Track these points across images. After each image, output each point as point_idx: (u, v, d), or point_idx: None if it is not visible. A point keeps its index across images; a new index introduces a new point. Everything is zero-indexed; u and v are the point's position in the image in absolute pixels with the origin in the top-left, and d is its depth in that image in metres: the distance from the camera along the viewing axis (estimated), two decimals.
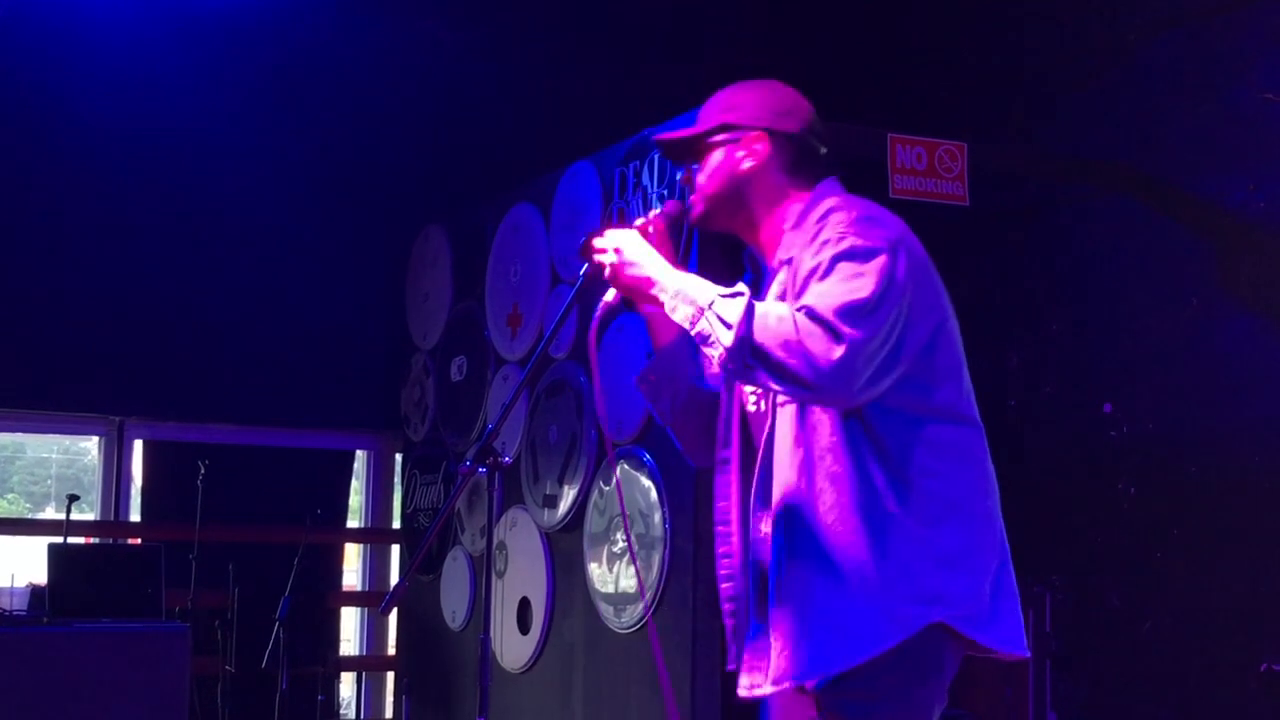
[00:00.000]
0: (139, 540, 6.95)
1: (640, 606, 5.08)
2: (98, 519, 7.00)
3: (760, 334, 2.56)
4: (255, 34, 6.89)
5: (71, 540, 6.11)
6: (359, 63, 7.09)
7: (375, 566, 7.71)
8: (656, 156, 5.20)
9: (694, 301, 2.67)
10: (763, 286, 2.90)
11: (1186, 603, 5.36)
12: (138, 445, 7.10)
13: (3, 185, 6.62)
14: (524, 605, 5.88)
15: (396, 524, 7.57)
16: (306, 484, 7.30)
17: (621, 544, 5.24)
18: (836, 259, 2.64)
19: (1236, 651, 5.14)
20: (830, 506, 2.70)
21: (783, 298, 2.75)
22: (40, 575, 5.94)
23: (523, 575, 5.90)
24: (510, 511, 6.02)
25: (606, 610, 5.30)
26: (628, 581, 5.19)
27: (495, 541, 6.02)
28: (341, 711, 7.22)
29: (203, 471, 6.27)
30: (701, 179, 2.91)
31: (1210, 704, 5.25)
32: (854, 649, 2.65)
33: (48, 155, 6.72)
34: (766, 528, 2.81)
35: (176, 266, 6.95)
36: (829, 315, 2.55)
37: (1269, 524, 5.09)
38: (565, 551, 5.66)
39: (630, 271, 2.81)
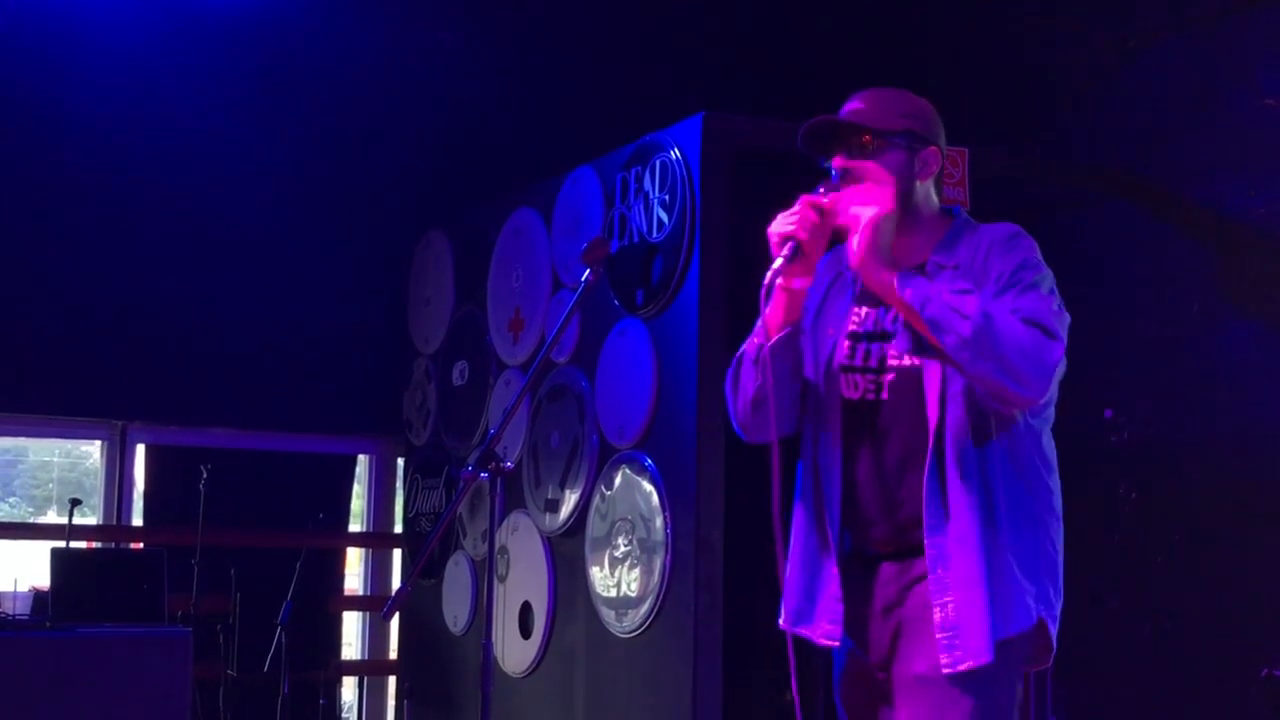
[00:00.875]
0: (141, 545, 6.96)
1: (643, 610, 5.09)
2: (100, 523, 7.00)
3: (997, 328, 2.78)
4: (257, 39, 6.90)
5: (74, 544, 6.11)
6: (361, 68, 7.10)
7: (377, 571, 7.71)
8: (658, 162, 5.20)
9: (929, 287, 2.84)
10: (850, 287, 3.08)
11: (1187, 607, 5.37)
12: (140, 449, 7.11)
13: (4, 190, 6.63)
14: (525, 610, 5.89)
15: (398, 528, 7.58)
16: (308, 488, 7.30)
17: (624, 548, 5.25)
18: (1038, 279, 2.92)
19: (1237, 656, 5.14)
20: (1006, 501, 2.93)
21: None
22: (43, 579, 5.94)
23: (524, 580, 5.91)
24: (512, 516, 6.03)
25: (608, 615, 5.30)
26: (630, 586, 5.19)
27: (497, 546, 6.02)
28: (343, 716, 7.23)
29: (205, 476, 6.27)
30: (873, 175, 3.00)
31: (1210, 709, 5.25)
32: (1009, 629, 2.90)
33: (50, 161, 6.73)
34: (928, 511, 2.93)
35: (179, 271, 6.96)
36: (1047, 321, 2.84)
37: (1270, 529, 5.09)
38: (567, 556, 5.67)
39: (880, 237, 2.93)
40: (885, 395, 2.99)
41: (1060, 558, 3.05)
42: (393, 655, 7.47)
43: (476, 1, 7.19)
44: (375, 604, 7.53)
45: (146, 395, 6.97)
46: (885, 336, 3.01)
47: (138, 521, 7.14)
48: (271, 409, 7.21)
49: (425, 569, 6.62)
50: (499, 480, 3.40)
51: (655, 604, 5.02)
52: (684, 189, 5.04)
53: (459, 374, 6.66)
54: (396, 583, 7.51)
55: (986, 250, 2.96)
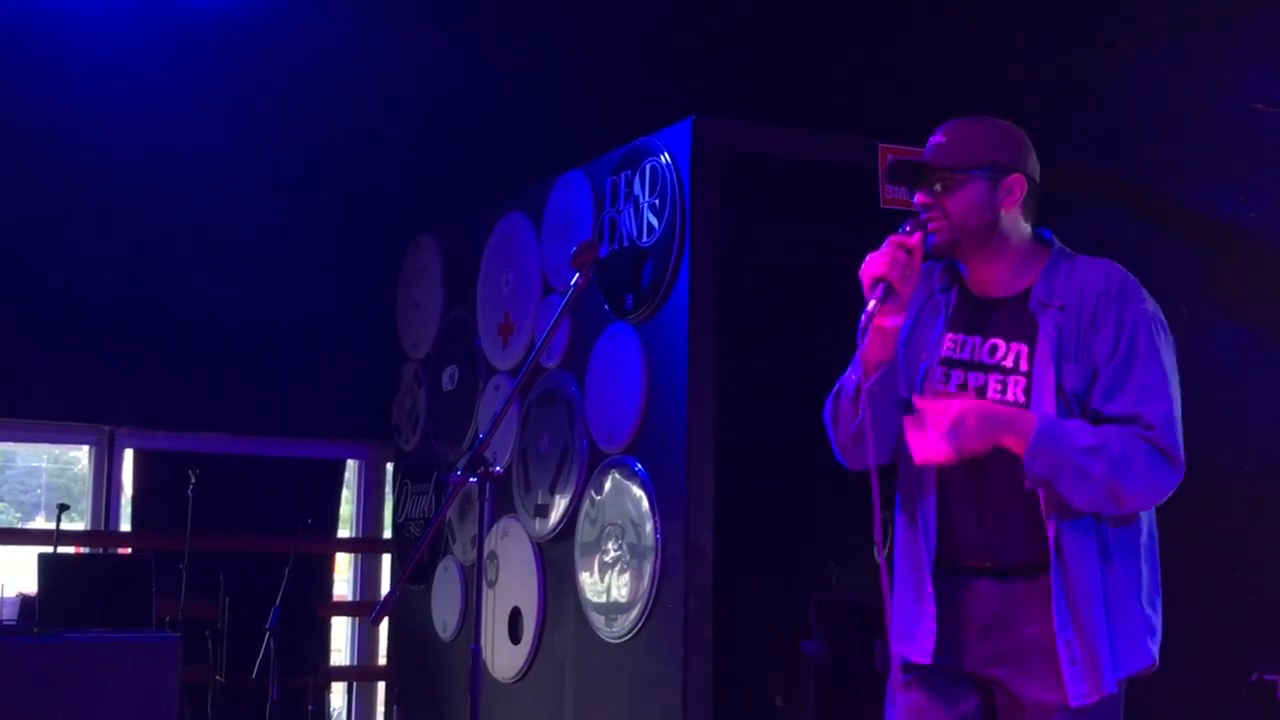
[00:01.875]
0: (129, 550, 6.94)
1: (633, 615, 5.08)
2: (88, 528, 6.98)
3: (1125, 487, 2.96)
4: (247, 44, 6.90)
5: (62, 550, 6.10)
6: (351, 72, 7.10)
7: (366, 576, 7.70)
8: (648, 166, 5.20)
9: (1053, 458, 2.90)
10: (973, 313, 3.11)
11: (1177, 612, 5.35)
12: (128, 454, 7.09)
13: None
14: (515, 615, 5.88)
15: (388, 533, 7.57)
16: (297, 493, 7.29)
17: (613, 553, 5.24)
18: (1161, 362, 3.07)
19: (1227, 661, 5.14)
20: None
21: (1060, 340, 2.98)
22: (30, 585, 5.93)
23: (514, 585, 5.90)
24: (501, 521, 6.02)
25: (598, 620, 5.30)
26: (620, 591, 5.19)
27: (486, 551, 6.01)
28: None
29: (193, 481, 6.26)
30: (954, 213, 3.05)
31: (1201, 713, 5.25)
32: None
33: (38, 165, 6.72)
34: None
35: (167, 276, 6.95)
36: (1171, 444, 3.07)
37: (1260, 533, 5.09)
38: (556, 561, 5.66)
39: (984, 435, 2.95)
40: None
41: (1159, 583, 3.23)
42: (382, 661, 7.46)
43: (468, 6, 7.19)
44: (364, 609, 7.51)
45: (135, 400, 6.96)
46: (983, 368, 3.06)
47: (126, 527, 7.12)
48: (260, 414, 7.20)
49: (414, 574, 6.61)
50: (488, 485, 3.39)
51: (645, 609, 5.01)
52: (674, 193, 5.04)
53: (448, 379, 6.66)
54: (385, 588, 7.50)
55: (1095, 301, 3.01)
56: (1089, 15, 5.93)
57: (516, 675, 5.81)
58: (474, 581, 3.64)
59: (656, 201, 5.14)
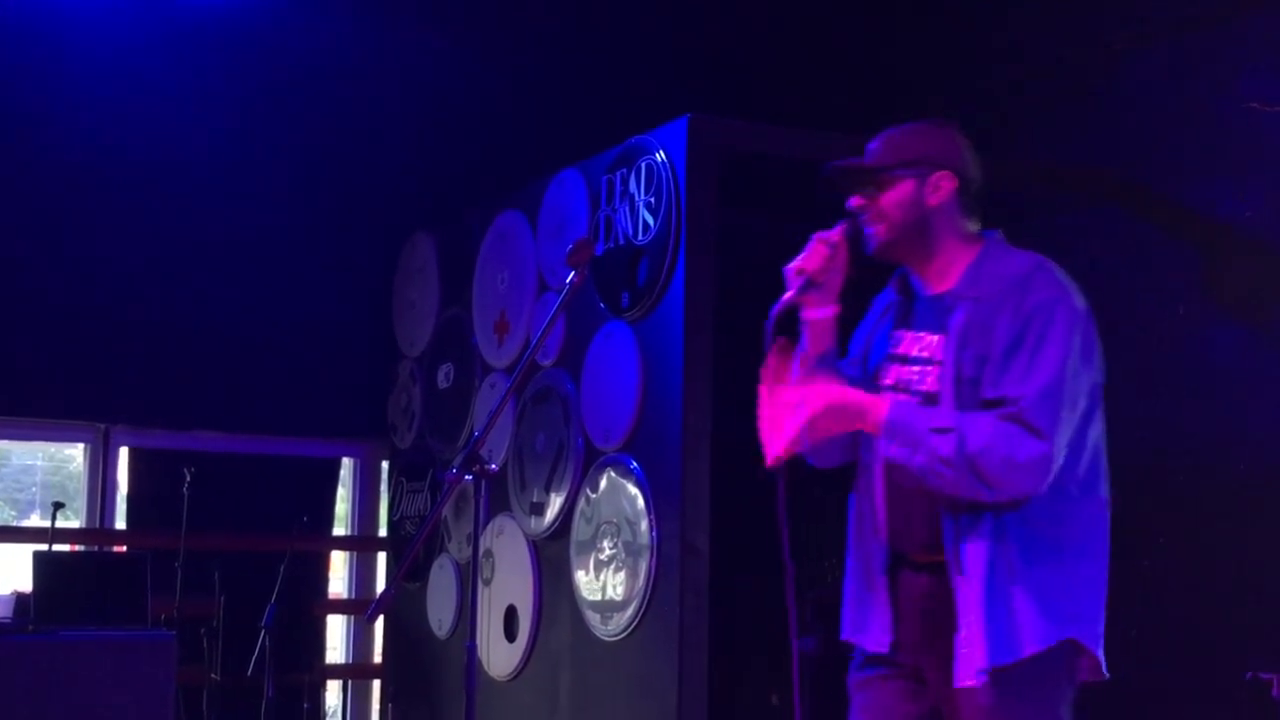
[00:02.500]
0: (124, 548, 6.93)
1: (628, 613, 5.08)
2: (83, 526, 6.97)
3: (979, 465, 2.92)
4: (242, 43, 6.89)
5: (57, 548, 6.09)
6: (346, 70, 7.09)
7: (361, 574, 7.69)
8: (644, 165, 5.20)
9: (906, 440, 2.97)
10: (915, 311, 3.20)
11: (1173, 611, 5.37)
12: (123, 452, 7.08)
13: None
14: (510, 613, 5.88)
15: (383, 531, 7.56)
16: (293, 491, 7.28)
17: (609, 551, 5.24)
18: (1043, 341, 2.99)
19: (1223, 660, 5.15)
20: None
21: (967, 330, 3.02)
22: (25, 583, 5.92)
23: (509, 583, 5.90)
24: (497, 519, 6.02)
25: (593, 618, 5.29)
26: (615, 589, 5.18)
27: (482, 549, 6.01)
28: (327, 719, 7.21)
29: (188, 479, 6.25)
30: (883, 214, 3.16)
31: (1196, 713, 5.25)
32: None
33: (33, 163, 6.71)
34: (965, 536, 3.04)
35: (162, 274, 6.94)
36: (1034, 418, 2.94)
37: (1256, 532, 5.10)
38: (552, 559, 5.66)
39: (837, 421, 3.08)
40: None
41: (1099, 580, 3.30)
42: (377, 659, 7.45)
43: (463, 6, 7.19)
44: (360, 607, 7.51)
45: (130, 398, 6.95)
46: (910, 361, 3.16)
47: (121, 525, 7.11)
48: (255, 412, 7.19)
49: (410, 572, 6.61)
50: (484, 483, 3.39)
51: (641, 607, 5.01)
52: (669, 191, 5.03)
53: (444, 376, 6.65)
54: (381, 586, 7.50)
55: (1005, 289, 3.05)
56: (1088, 15, 5.93)
57: (512, 673, 5.81)
58: (469, 579, 3.64)
59: (652, 200, 5.13)
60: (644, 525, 5.03)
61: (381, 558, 7.58)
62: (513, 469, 5.94)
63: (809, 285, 3.12)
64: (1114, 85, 5.79)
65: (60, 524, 6.10)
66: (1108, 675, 3.25)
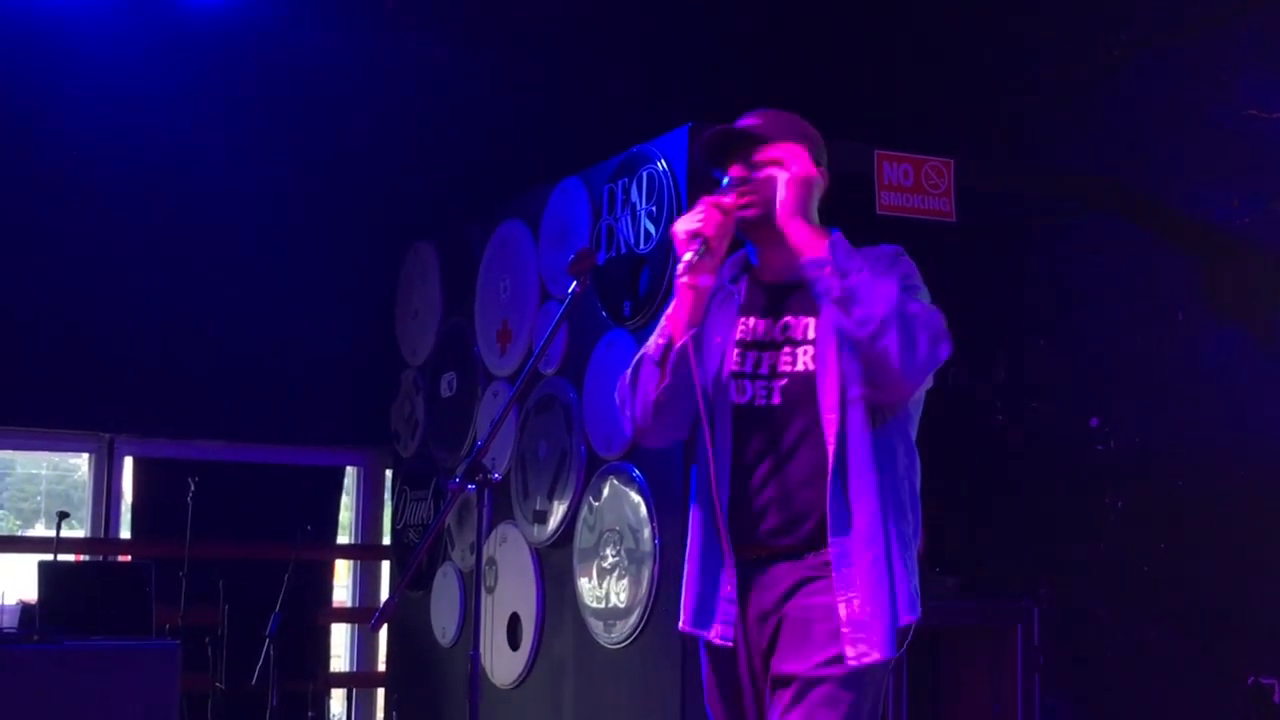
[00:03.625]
0: (129, 557, 6.94)
1: (631, 621, 5.09)
2: (88, 536, 6.99)
3: (911, 308, 2.91)
4: (245, 52, 6.91)
5: (62, 558, 6.10)
6: (349, 79, 7.11)
7: (365, 583, 7.70)
8: (645, 174, 5.22)
9: (848, 260, 2.96)
10: (764, 297, 3.18)
11: (1173, 616, 5.39)
12: (128, 462, 7.10)
13: None
14: (514, 621, 5.89)
15: (386, 540, 7.57)
16: (296, 500, 7.29)
17: (612, 559, 5.25)
18: (923, 294, 3.07)
19: (1223, 664, 5.16)
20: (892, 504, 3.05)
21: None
22: (30, 593, 5.93)
23: (513, 591, 5.91)
24: (500, 527, 6.03)
25: (596, 625, 5.31)
26: (618, 596, 5.20)
27: (485, 557, 6.03)
28: None
29: (193, 488, 6.26)
30: (767, 187, 3.12)
31: (1197, 717, 5.27)
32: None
33: (37, 172, 6.72)
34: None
35: (166, 283, 6.96)
36: (941, 321, 2.96)
37: (1255, 537, 5.11)
38: (555, 567, 5.67)
39: (808, 191, 3.10)
40: (777, 400, 3.09)
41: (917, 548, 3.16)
42: (381, 667, 7.46)
43: (465, 14, 7.21)
44: (363, 616, 7.52)
45: (134, 407, 6.97)
46: (775, 344, 3.13)
47: (126, 534, 7.13)
48: (259, 421, 7.21)
49: (413, 581, 6.62)
50: (487, 491, 3.40)
51: (643, 615, 5.02)
52: (671, 200, 5.05)
53: (447, 385, 6.67)
54: (385, 594, 7.51)
55: (873, 265, 3.04)
56: (1083, 21, 5.95)
57: (515, 681, 5.82)
58: (473, 588, 3.66)
59: (654, 209, 5.15)
60: (646, 533, 5.04)
61: (385, 566, 7.59)
62: (515, 477, 5.95)
63: (706, 249, 3.08)
64: (1112, 91, 5.81)
65: (65, 533, 6.12)
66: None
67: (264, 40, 6.90)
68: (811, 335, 3.08)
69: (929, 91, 6.56)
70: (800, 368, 3.08)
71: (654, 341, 3.16)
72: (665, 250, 5.06)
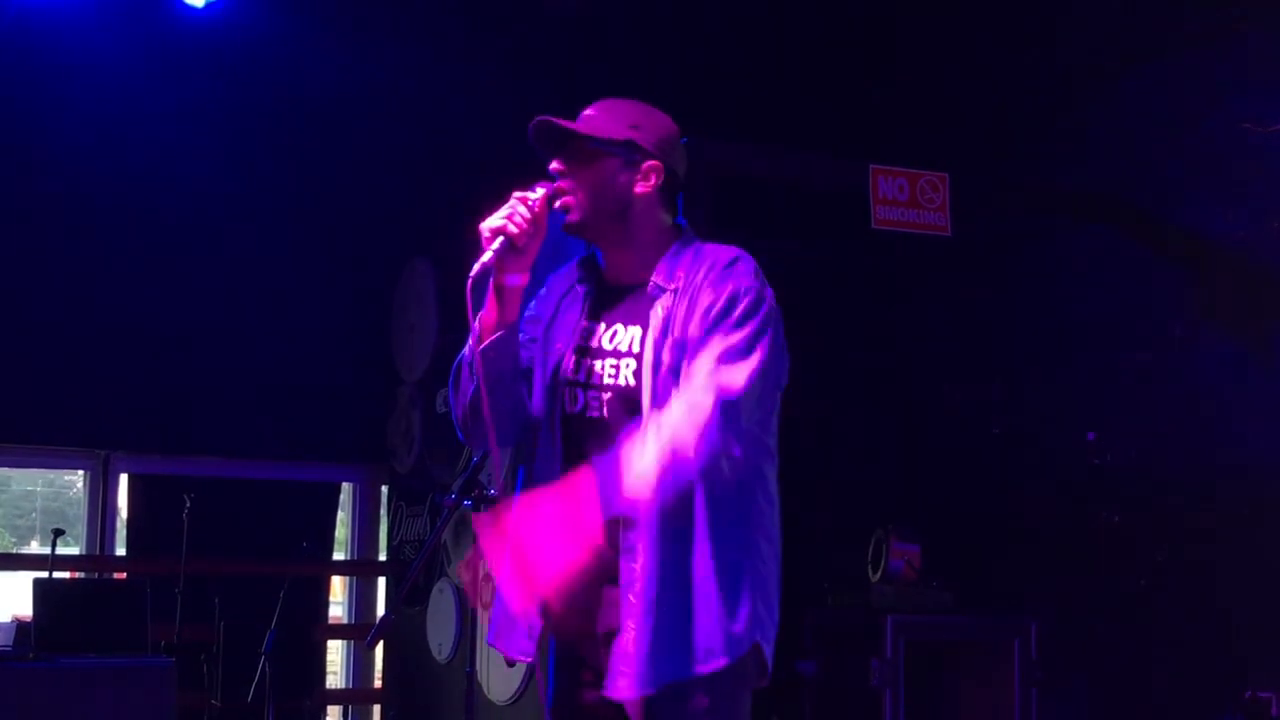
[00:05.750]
0: (125, 574, 6.94)
1: None
2: (83, 553, 6.98)
3: (669, 464, 2.68)
4: (242, 68, 6.91)
5: (57, 575, 6.09)
6: (346, 96, 7.11)
7: (361, 599, 7.69)
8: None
9: (607, 478, 2.72)
10: (605, 301, 3.02)
11: (1171, 630, 5.38)
12: (123, 479, 7.09)
13: None
14: None
15: (383, 556, 7.57)
16: (292, 517, 7.29)
17: None
18: (745, 313, 2.81)
19: (1221, 679, 5.15)
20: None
21: (668, 321, 2.86)
22: (25, 610, 5.92)
23: None
24: None
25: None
26: None
27: (481, 573, 6.01)
28: None
29: (188, 505, 6.25)
30: (587, 187, 3.00)
31: None
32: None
33: (32, 191, 6.73)
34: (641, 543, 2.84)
35: (162, 299, 6.96)
36: (724, 384, 2.73)
37: (1252, 551, 5.11)
38: None
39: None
40: (604, 413, 2.94)
41: (775, 579, 2.93)
42: (377, 683, 7.45)
43: (461, 28, 7.21)
44: (359, 632, 7.51)
45: (130, 424, 6.96)
46: (602, 353, 2.97)
47: (121, 551, 7.12)
48: (255, 437, 7.20)
49: (409, 597, 6.61)
50: (483, 507, 3.40)
51: None
52: None
53: (443, 401, 6.66)
54: (381, 611, 7.50)
55: (704, 275, 2.89)
56: (1079, 36, 5.96)
57: (511, 697, 5.80)
58: (469, 604, 3.65)
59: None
60: None
61: (381, 582, 7.58)
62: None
63: (511, 248, 2.92)
64: (1108, 105, 5.82)
65: (60, 551, 6.11)
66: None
67: (262, 57, 6.90)
68: (637, 349, 2.91)
69: (924, 106, 6.56)
70: (621, 381, 2.92)
71: (468, 344, 3.03)
72: None
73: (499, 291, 2.98)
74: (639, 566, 2.81)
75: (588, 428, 2.96)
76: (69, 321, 6.78)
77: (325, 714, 7.30)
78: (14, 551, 11.78)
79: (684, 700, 2.81)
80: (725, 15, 6.95)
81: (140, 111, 6.81)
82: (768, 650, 2.90)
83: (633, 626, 2.79)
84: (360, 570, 7.74)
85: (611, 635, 2.85)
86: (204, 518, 6.37)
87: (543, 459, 3.00)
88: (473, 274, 2.93)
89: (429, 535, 6.67)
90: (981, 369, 6.17)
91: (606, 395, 2.94)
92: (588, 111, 3.07)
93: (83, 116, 6.74)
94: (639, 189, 3.00)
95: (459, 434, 3.10)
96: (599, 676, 2.88)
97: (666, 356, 2.84)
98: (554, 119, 3.04)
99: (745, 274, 2.88)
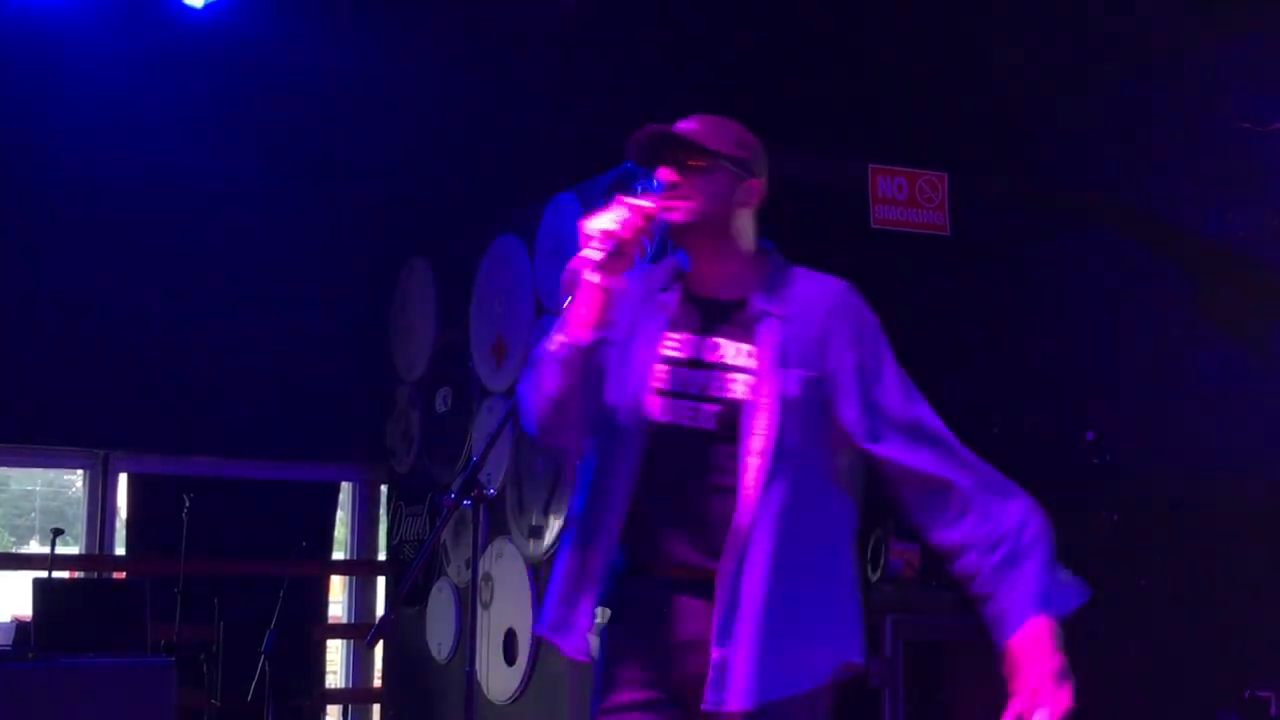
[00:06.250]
0: (124, 574, 6.93)
1: None
2: (83, 553, 6.98)
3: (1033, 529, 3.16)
4: (240, 68, 6.91)
5: (56, 574, 6.09)
6: (344, 96, 7.11)
7: (361, 599, 7.69)
8: (639, 188, 5.22)
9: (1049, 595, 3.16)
10: (694, 312, 3.04)
11: (1170, 629, 5.38)
12: (123, 479, 7.09)
13: None
14: (510, 636, 5.88)
15: (382, 556, 7.57)
16: (292, 516, 7.29)
17: None
18: (901, 371, 3.05)
19: (1220, 678, 5.15)
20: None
21: (785, 348, 2.94)
22: (25, 610, 5.92)
23: (508, 606, 5.90)
24: (496, 543, 6.02)
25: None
26: None
27: (480, 573, 6.02)
28: None
29: (188, 505, 6.26)
30: (701, 196, 3.01)
31: None
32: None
33: (30, 190, 6.73)
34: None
35: (161, 300, 6.96)
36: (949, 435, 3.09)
37: (1251, 550, 5.11)
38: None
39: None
40: (704, 425, 2.95)
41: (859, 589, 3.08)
42: (377, 683, 7.45)
43: (460, 30, 7.21)
44: (359, 632, 7.51)
45: (129, 424, 6.96)
46: (706, 366, 2.98)
47: (121, 551, 7.12)
48: (254, 437, 7.20)
49: (409, 596, 6.61)
50: (482, 507, 3.41)
51: None
52: None
53: (442, 401, 6.66)
54: (380, 610, 7.50)
55: (825, 314, 2.98)
56: (1078, 36, 5.96)
57: (511, 697, 5.81)
58: (469, 603, 3.65)
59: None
60: None
61: (381, 582, 7.58)
62: (511, 493, 5.95)
63: (618, 251, 2.91)
64: (1106, 106, 5.82)
65: (60, 550, 6.11)
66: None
67: (261, 57, 6.90)
68: (748, 363, 2.95)
69: (923, 106, 6.57)
70: (733, 395, 2.93)
71: (555, 338, 2.97)
72: None
73: (600, 293, 2.94)
74: (753, 580, 2.86)
75: (678, 435, 2.97)
76: (68, 321, 6.78)
77: (325, 714, 7.30)
78: (13, 551, 11.78)
79: (784, 715, 2.87)
80: (724, 14, 6.95)
81: (139, 111, 6.81)
82: (860, 660, 3.02)
83: (747, 640, 2.84)
84: (359, 570, 7.74)
85: (694, 645, 2.91)
86: (203, 517, 6.37)
87: (617, 466, 3.00)
88: (583, 270, 2.93)
89: (428, 535, 6.67)
90: (980, 368, 6.17)
91: (712, 407, 2.95)
92: (689, 124, 3.11)
93: (81, 116, 6.73)
94: (742, 205, 3.06)
95: (532, 428, 3.08)
96: (661, 681, 2.98)
97: (790, 387, 2.91)
98: (671, 128, 3.08)
99: (875, 319, 3.04)
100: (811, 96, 6.72)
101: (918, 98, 6.60)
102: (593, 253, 2.92)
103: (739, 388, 2.93)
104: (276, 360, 7.18)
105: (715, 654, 2.84)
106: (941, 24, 6.57)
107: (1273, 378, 5.11)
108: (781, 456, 2.89)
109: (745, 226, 3.07)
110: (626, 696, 3.06)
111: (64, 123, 6.70)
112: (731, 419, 2.93)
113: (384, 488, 7.50)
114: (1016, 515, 3.06)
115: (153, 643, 5.92)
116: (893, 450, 2.98)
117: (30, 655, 5.58)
